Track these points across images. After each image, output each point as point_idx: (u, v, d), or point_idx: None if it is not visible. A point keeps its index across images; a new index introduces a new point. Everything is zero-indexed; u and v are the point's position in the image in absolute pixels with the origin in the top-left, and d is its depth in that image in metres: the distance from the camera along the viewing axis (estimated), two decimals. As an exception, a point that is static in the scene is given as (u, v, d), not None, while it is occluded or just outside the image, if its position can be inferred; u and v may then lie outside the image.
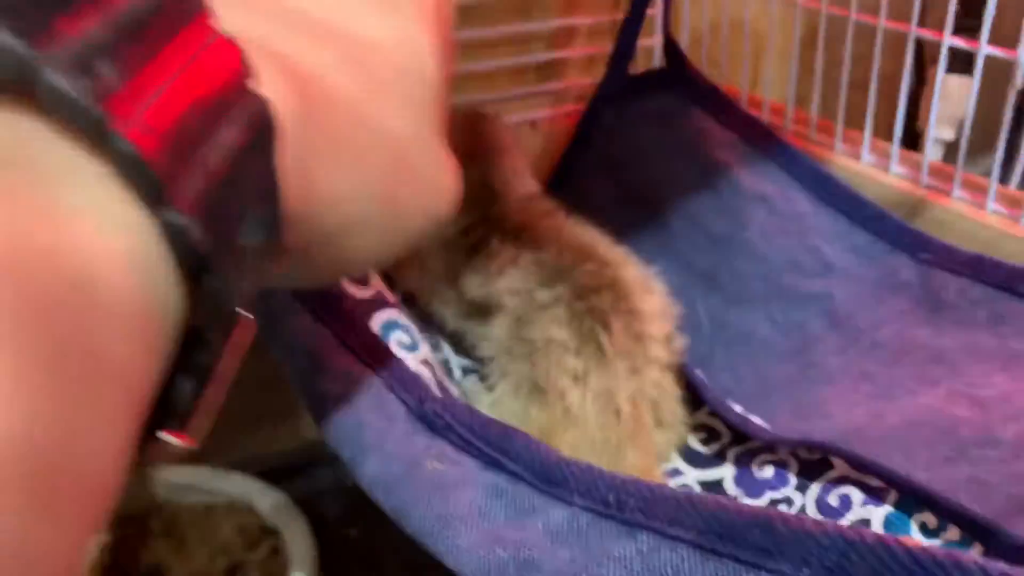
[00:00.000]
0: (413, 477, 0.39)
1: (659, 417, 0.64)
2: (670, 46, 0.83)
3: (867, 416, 0.60)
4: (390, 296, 0.66)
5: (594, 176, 0.82)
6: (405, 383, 0.44)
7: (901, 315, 0.65)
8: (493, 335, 0.65)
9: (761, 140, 0.75)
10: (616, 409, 0.61)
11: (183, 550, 0.71)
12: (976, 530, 0.50)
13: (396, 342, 0.62)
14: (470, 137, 0.72)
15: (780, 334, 0.69)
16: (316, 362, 0.44)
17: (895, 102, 0.76)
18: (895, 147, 0.78)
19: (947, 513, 0.52)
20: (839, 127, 0.81)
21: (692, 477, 0.66)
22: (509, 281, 0.65)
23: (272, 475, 0.76)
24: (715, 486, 0.64)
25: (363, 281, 0.65)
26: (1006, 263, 0.62)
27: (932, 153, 1.01)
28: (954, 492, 0.53)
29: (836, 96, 0.80)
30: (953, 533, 0.51)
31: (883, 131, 0.80)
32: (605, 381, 0.60)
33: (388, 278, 0.74)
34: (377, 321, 0.62)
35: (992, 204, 0.71)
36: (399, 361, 0.45)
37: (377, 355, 0.45)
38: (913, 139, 1.04)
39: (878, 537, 0.26)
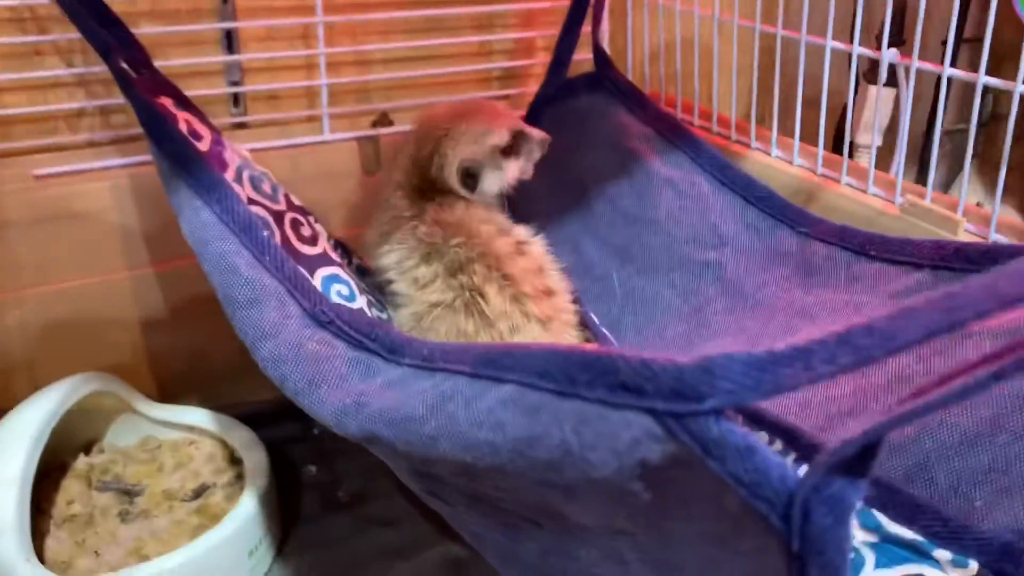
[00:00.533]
0: (296, 354, 0.51)
1: None
2: (598, 54, 0.94)
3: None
4: (335, 256, 0.77)
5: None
6: (305, 292, 0.55)
7: (781, 279, 0.75)
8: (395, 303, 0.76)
9: (672, 133, 0.85)
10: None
11: (160, 472, 0.83)
12: (793, 440, 0.59)
13: (335, 292, 0.73)
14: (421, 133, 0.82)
15: (679, 298, 0.79)
16: (234, 273, 0.56)
17: (831, 112, 0.85)
18: (796, 143, 0.87)
19: (775, 428, 0.61)
20: (752, 127, 0.91)
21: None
22: (394, 257, 0.76)
23: (248, 420, 0.87)
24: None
25: (312, 241, 0.76)
26: (863, 231, 0.71)
27: (865, 159, 1.11)
28: (785, 414, 0.62)
29: (770, 106, 0.90)
30: (778, 446, 0.61)
31: (813, 138, 0.88)
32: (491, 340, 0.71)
33: (342, 246, 0.86)
34: (320, 274, 0.74)
35: (872, 188, 0.80)
36: (304, 277, 0.57)
37: (285, 271, 0.57)
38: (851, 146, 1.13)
39: (555, 348, 0.36)
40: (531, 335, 0.72)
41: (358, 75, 1.02)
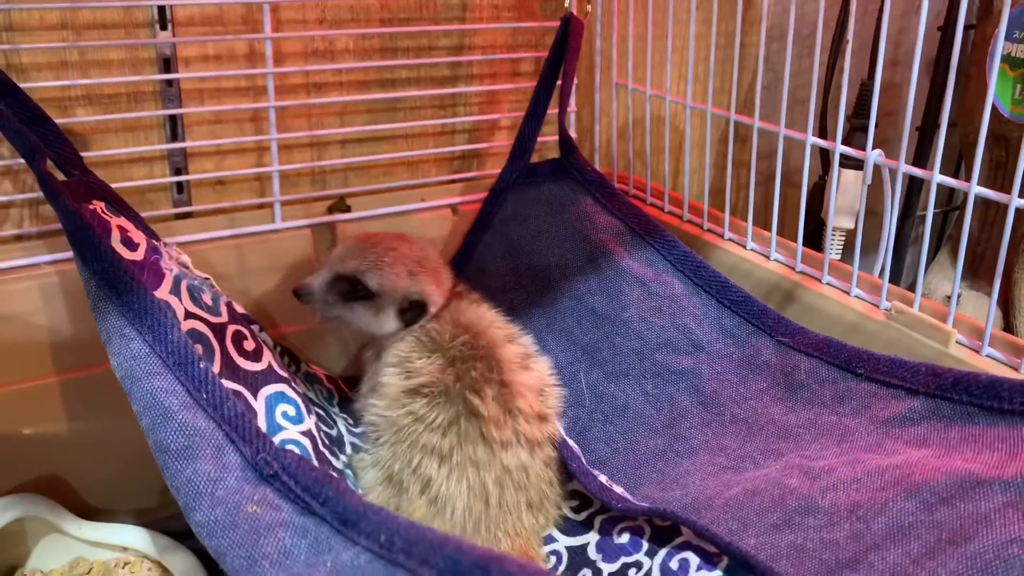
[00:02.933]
0: (234, 521, 0.45)
1: (529, 500, 0.68)
2: (564, 140, 0.90)
3: (716, 486, 0.64)
4: (281, 370, 0.71)
5: (493, 256, 0.89)
6: (246, 436, 0.49)
7: (760, 392, 0.70)
8: (375, 410, 0.71)
9: (642, 227, 0.81)
10: (485, 496, 0.66)
11: (88, 604, 0.75)
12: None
13: (281, 413, 0.67)
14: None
15: (653, 407, 0.74)
16: (166, 416, 0.50)
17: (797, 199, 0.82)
18: (773, 236, 0.83)
19: (764, 578, 0.55)
20: (726, 217, 0.88)
21: (562, 544, 0.70)
22: (393, 352, 0.71)
23: (185, 536, 0.79)
24: (581, 551, 0.68)
25: (256, 356, 0.70)
26: (848, 346, 0.67)
27: (833, 243, 1.08)
28: (776, 557, 0.57)
29: (743, 193, 0.87)
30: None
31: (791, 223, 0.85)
32: (473, 457, 0.65)
33: (289, 354, 0.80)
34: (264, 393, 0.68)
35: (855, 290, 0.76)
36: (246, 417, 0.51)
37: (223, 411, 0.50)
38: (819, 229, 1.10)
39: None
40: (517, 459, 0.66)
41: (313, 159, 0.96)
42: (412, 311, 0.75)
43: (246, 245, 0.89)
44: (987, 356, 0.66)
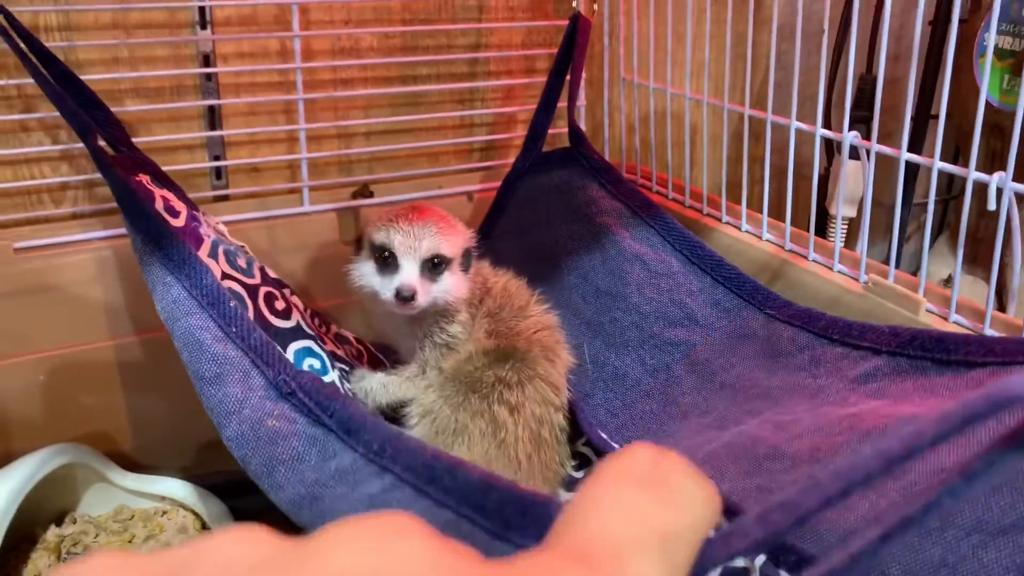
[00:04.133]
0: (256, 434, 0.52)
1: (558, 453, 0.77)
2: (573, 130, 0.96)
3: (700, 443, 0.70)
4: (309, 328, 0.78)
5: (507, 239, 0.95)
6: (269, 360, 0.56)
7: (746, 359, 0.75)
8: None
9: (643, 209, 0.87)
10: (539, 444, 0.75)
11: (131, 544, 0.83)
12: (781, 552, 0.59)
13: (307, 366, 0.74)
14: None
15: (649, 375, 0.80)
16: (201, 348, 0.58)
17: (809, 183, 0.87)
18: (764, 217, 0.89)
19: (733, 516, 0.61)
20: (723, 202, 0.93)
21: (564, 499, 0.76)
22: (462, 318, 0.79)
23: (223, 491, 0.87)
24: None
25: (286, 314, 0.78)
26: (827, 315, 0.72)
27: (839, 232, 1.12)
28: (745, 499, 0.62)
29: (751, 185, 0.92)
30: (761, 559, 0.60)
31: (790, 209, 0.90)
32: (536, 413, 0.75)
33: (319, 315, 0.87)
34: (292, 348, 0.75)
35: (838, 265, 0.81)
36: (269, 344, 0.58)
37: (250, 341, 0.58)
38: (824, 219, 1.15)
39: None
40: (559, 418, 0.76)
41: (340, 148, 1.04)
42: (465, 261, 0.79)
43: (277, 226, 0.97)
44: (953, 322, 0.71)
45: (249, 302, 0.73)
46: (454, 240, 0.76)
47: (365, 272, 0.76)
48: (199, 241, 0.73)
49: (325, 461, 0.49)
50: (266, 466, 0.51)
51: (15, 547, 0.79)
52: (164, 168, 0.92)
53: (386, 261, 0.74)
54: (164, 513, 0.87)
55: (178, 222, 0.72)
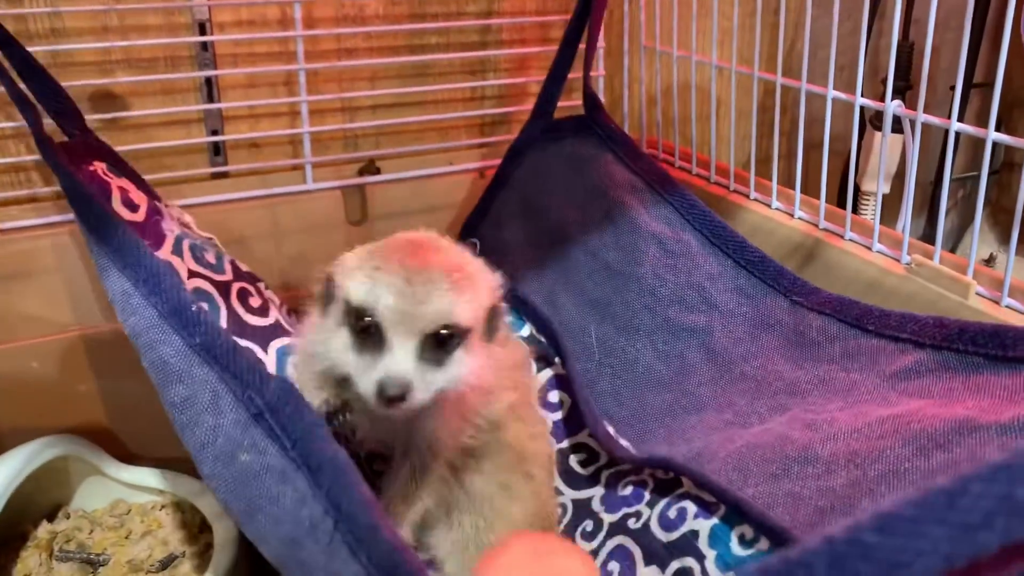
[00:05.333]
0: (230, 471, 0.47)
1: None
2: (588, 97, 0.89)
3: (721, 440, 0.64)
4: (289, 326, 0.73)
5: (510, 212, 0.89)
6: (237, 372, 0.51)
7: (770, 350, 0.70)
8: None
9: (663, 185, 0.81)
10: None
11: (128, 540, 0.79)
12: (782, 540, 0.54)
13: (291, 364, 0.69)
14: None
15: (662, 363, 0.74)
16: (167, 368, 0.52)
17: (837, 158, 0.81)
18: (797, 194, 0.83)
19: (760, 525, 0.56)
20: (752, 178, 0.87)
21: (568, 497, 0.71)
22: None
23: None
24: (585, 504, 0.69)
25: (263, 311, 0.72)
26: (860, 303, 0.66)
27: (870, 207, 1.05)
28: (773, 505, 0.57)
29: (770, 153, 0.86)
30: (764, 544, 0.55)
31: (817, 187, 0.83)
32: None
33: (296, 313, 0.82)
34: (273, 347, 0.70)
35: (877, 245, 0.75)
36: (234, 350, 0.52)
37: (215, 351, 0.52)
38: (856, 196, 1.08)
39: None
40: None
41: (344, 122, 0.99)
42: (490, 326, 0.57)
43: (279, 205, 0.92)
44: (1007, 307, 0.65)
45: (221, 301, 0.67)
46: (475, 298, 0.53)
47: (334, 345, 0.53)
48: (161, 237, 0.67)
49: (299, 507, 0.43)
50: (246, 507, 0.45)
51: (4, 544, 0.76)
52: (160, 144, 0.88)
53: (367, 332, 0.51)
54: (162, 507, 0.83)
55: (137, 216, 0.67)
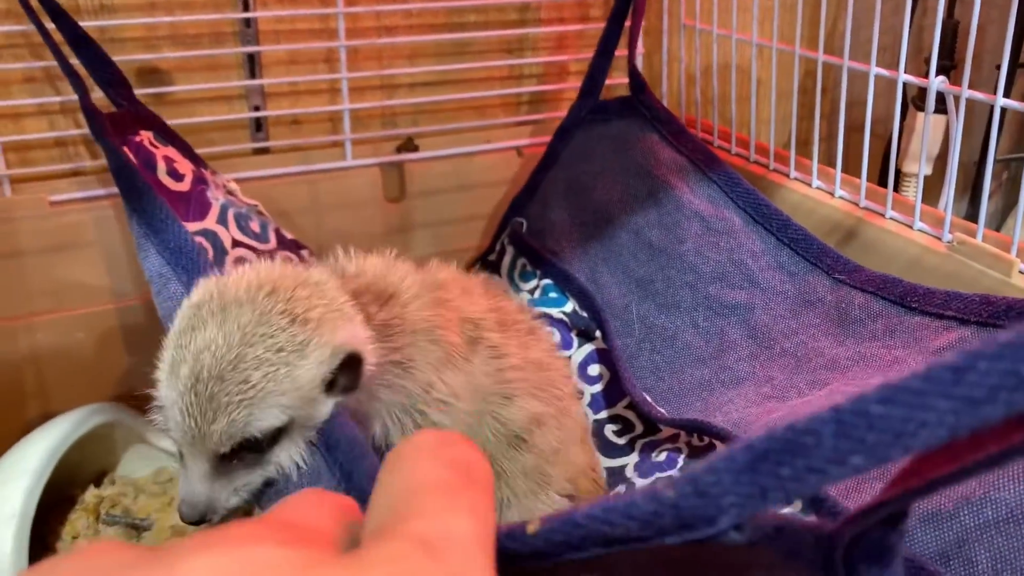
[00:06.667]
0: None
1: None
2: (634, 77, 0.90)
3: (758, 413, 0.65)
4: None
5: (557, 191, 0.90)
6: None
7: (811, 327, 0.70)
8: None
9: (707, 163, 0.81)
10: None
11: (170, 506, 0.81)
12: (817, 502, 0.54)
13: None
14: None
15: (702, 339, 0.74)
16: None
17: (877, 140, 0.80)
18: (838, 173, 0.82)
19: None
20: (792, 156, 0.86)
21: (603, 465, 0.71)
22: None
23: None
24: (619, 471, 0.69)
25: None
26: (904, 281, 0.66)
27: (911, 187, 1.04)
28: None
29: (810, 134, 0.86)
30: (797, 505, 0.56)
31: (856, 168, 0.83)
32: None
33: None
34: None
35: (918, 223, 0.75)
36: None
37: None
38: (897, 177, 1.07)
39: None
40: None
41: (383, 99, 0.99)
42: (348, 371, 0.50)
43: (318, 181, 0.93)
44: (1049, 291, 0.64)
45: None
46: (291, 389, 0.46)
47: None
48: (206, 206, 0.68)
49: (314, 483, 0.45)
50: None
51: (54, 507, 0.78)
52: (202, 119, 0.89)
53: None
54: (203, 474, 0.84)
55: (182, 186, 0.68)
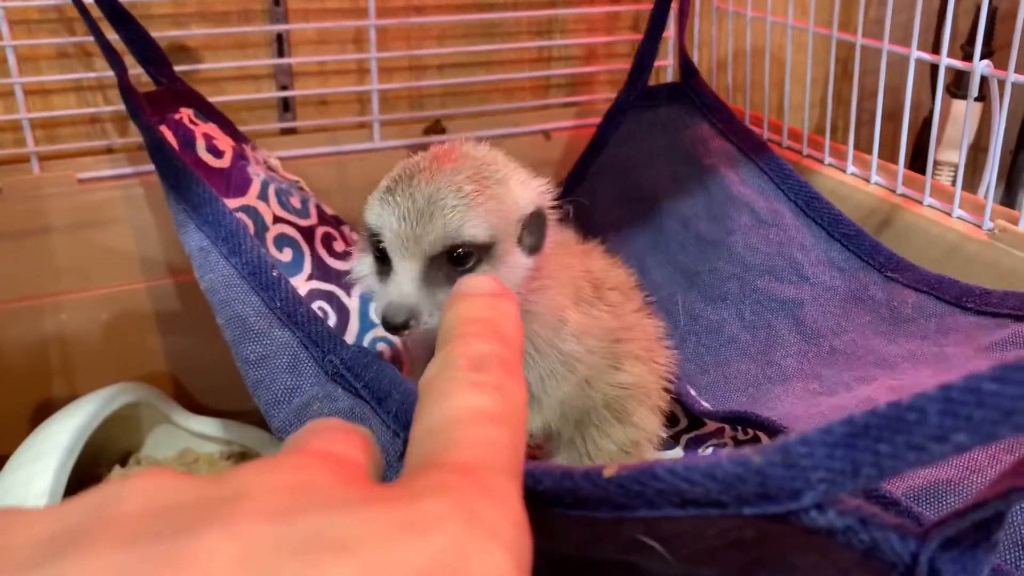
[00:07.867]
0: (301, 420, 0.48)
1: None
2: (684, 62, 0.88)
3: (805, 407, 0.63)
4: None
5: (604, 177, 0.88)
6: (317, 339, 0.52)
7: (862, 326, 0.69)
8: None
9: (757, 154, 0.80)
10: None
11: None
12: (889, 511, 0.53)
13: (374, 309, 0.70)
14: None
15: (748, 333, 0.73)
16: (244, 327, 0.53)
17: (911, 127, 0.79)
18: (874, 159, 0.81)
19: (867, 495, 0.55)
20: (827, 143, 0.85)
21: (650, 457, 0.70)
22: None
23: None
24: (664, 464, 0.68)
25: (347, 257, 0.73)
26: (961, 282, 0.65)
27: (945, 178, 1.03)
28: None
29: (846, 120, 0.84)
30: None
31: (890, 154, 0.82)
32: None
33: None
34: (356, 292, 0.70)
35: (957, 210, 0.73)
36: (315, 319, 0.53)
37: (296, 318, 0.53)
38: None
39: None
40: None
41: (412, 80, 0.98)
42: (534, 232, 0.53)
43: (346, 162, 0.92)
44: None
45: (305, 246, 0.67)
46: (497, 208, 0.50)
47: (360, 270, 0.53)
48: (247, 182, 0.67)
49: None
50: None
51: (81, 486, 0.77)
52: (229, 98, 0.88)
53: (384, 257, 0.50)
54: (229, 457, 0.84)
55: (222, 163, 0.67)
